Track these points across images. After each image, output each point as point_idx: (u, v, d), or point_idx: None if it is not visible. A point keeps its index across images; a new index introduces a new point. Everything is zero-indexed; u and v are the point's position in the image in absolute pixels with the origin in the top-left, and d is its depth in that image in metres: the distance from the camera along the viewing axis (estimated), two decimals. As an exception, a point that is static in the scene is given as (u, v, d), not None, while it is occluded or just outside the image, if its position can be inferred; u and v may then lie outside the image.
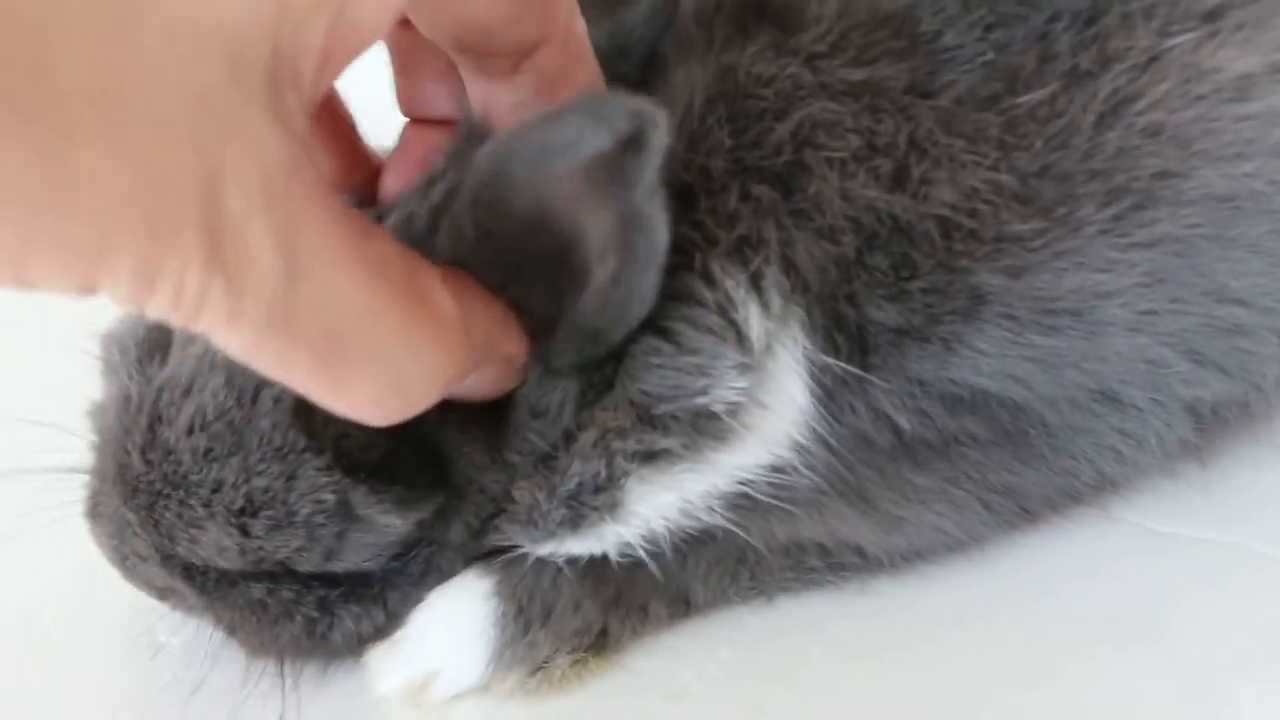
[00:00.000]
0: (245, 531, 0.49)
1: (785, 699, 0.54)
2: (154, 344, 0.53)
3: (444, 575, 0.56)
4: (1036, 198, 0.50)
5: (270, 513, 0.49)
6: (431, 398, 0.43)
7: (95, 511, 0.53)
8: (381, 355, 0.40)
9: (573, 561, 0.56)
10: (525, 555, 0.56)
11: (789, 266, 0.50)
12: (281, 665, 0.56)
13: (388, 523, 0.51)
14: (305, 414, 0.49)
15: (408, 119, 0.53)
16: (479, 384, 0.49)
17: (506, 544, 0.55)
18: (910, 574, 0.58)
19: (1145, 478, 0.60)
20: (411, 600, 0.55)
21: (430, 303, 0.42)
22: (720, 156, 0.50)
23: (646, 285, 0.47)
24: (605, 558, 0.55)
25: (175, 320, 0.36)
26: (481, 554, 0.56)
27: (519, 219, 0.44)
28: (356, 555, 0.52)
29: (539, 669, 0.56)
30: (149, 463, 0.50)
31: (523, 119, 0.42)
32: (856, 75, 0.51)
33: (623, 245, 0.45)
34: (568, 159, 0.40)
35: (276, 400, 0.49)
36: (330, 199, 0.39)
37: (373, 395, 0.41)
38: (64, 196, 0.32)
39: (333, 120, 0.53)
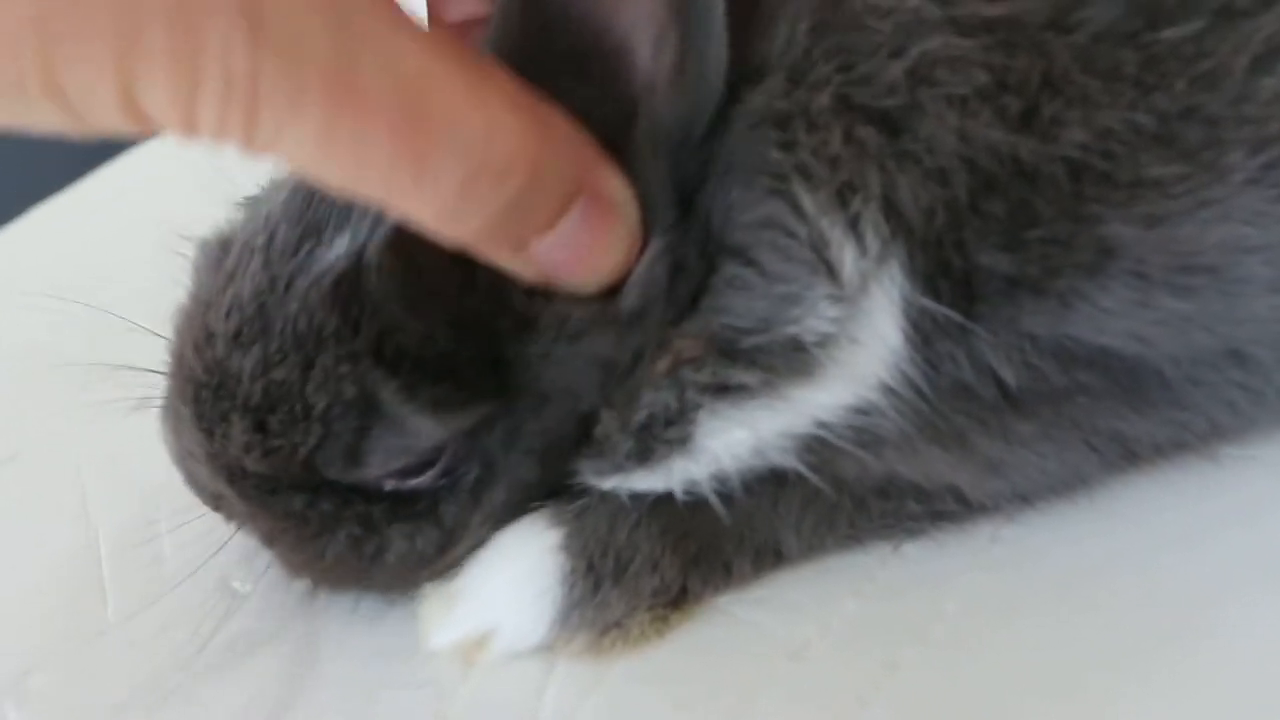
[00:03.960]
0: (263, 428, 0.48)
1: (919, 656, 0.50)
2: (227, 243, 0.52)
3: (504, 491, 0.52)
4: (1178, 140, 0.46)
5: (287, 407, 0.48)
6: (519, 185, 0.41)
7: (164, 409, 0.53)
8: (458, 123, 0.39)
9: (652, 512, 0.53)
10: (599, 504, 0.53)
11: (890, 209, 0.46)
12: (328, 589, 0.55)
13: (418, 425, 0.48)
14: (346, 295, 0.47)
15: None
16: (593, 261, 0.46)
17: (575, 480, 0.52)
18: (1040, 521, 0.54)
19: (1258, 429, 0.55)
20: (469, 516, 0.52)
21: (495, 76, 0.41)
22: (825, 93, 0.46)
23: (715, 51, 0.45)
24: (686, 511, 0.52)
25: (236, 120, 0.34)
26: (552, 494, 0.53)
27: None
28: (385, 459, 0.49)
29: (611, 629, 0.53)
30: (197, 350, 0.50)
31: None
32: (993, 11, 0.47)
33: (678, 17, 0.43)
34: None
35: (311, 285, 0.48)
36: None
37: (460, 178, 0.39)
38: None
39: None
